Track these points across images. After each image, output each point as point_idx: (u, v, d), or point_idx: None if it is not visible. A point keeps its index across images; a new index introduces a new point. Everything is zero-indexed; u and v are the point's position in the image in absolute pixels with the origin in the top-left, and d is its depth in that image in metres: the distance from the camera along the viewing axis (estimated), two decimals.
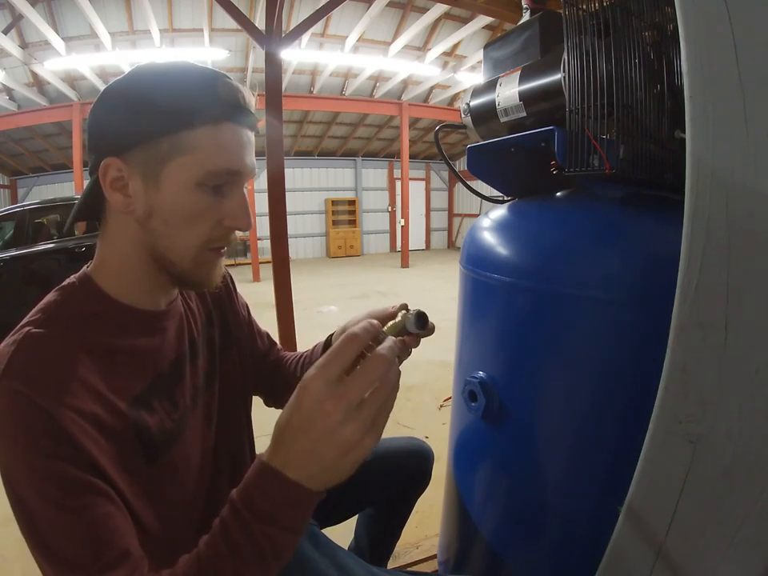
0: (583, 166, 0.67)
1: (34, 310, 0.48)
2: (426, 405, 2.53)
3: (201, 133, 0.47)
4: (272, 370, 0.78)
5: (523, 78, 0.81)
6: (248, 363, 0.71)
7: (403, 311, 0.52)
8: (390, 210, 11.68)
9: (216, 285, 0.55)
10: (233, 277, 0.74)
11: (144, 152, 0.47)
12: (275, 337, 0.84)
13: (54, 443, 0.41)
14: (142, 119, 0.47)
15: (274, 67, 2.04)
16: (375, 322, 0.40)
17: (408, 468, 0.90)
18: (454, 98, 8.84)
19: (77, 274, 0.53)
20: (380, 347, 0.38)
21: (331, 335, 0.70)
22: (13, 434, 0.41)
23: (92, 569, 0.39)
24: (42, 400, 0.41)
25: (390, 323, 0.50)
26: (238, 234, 0.55)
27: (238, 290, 0.75)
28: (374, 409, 0.37)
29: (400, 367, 0.40)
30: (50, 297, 0.50)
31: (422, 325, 0.51)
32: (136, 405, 0.49)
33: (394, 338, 0.42)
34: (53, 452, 0.40)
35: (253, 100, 0.52)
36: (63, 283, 0.52)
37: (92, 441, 0.43)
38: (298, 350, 0.80)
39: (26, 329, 0.45)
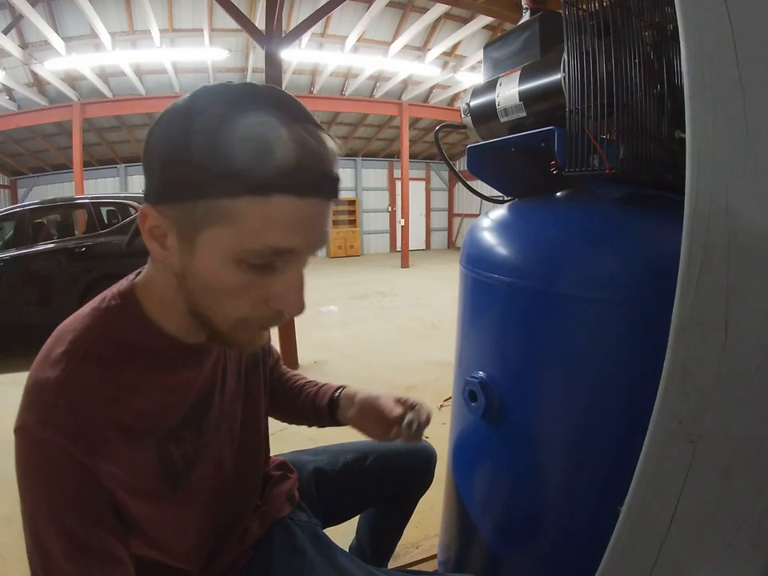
0: (583, 166, 0.67)
1: (73, 335, 0.45)
2: None
3: (243, 203, 0.38)
4: (274, 382, 0.79)
5: (523, 78, 0.81)
6: (267, 380, 0.71)
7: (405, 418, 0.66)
8: (389, 209, 11.68)
9: (255, 350, 0.52)
10: None
11: (179, 210, 0.41)
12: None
13: (87, 502, 0.42)
14: (175, 174, 0.40)
15: (274, 67, 2.04)
16: None
17: (411, 468, 0.90)
18: (454, 97, 8.84)
19: (121, 288, 0.49)
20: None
21: (339, 392, 0.76)
22: (47, 486, 0.41)
23: None
24: (82, 455, 0.41)
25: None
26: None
27: None
28: None
29: None
30: (91, 319, 0.46)
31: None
32: (166, 439, 0.49)
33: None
34: (83, 512, 0.42)
35: (336, 159, 0.42)
36: (106, 297, 0.49)
37: (125, 489, 0.44)
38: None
39: (69, 364, 0.43)
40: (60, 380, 0.42)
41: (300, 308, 0.45)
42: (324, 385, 0.79)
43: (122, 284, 0.50)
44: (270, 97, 0.40)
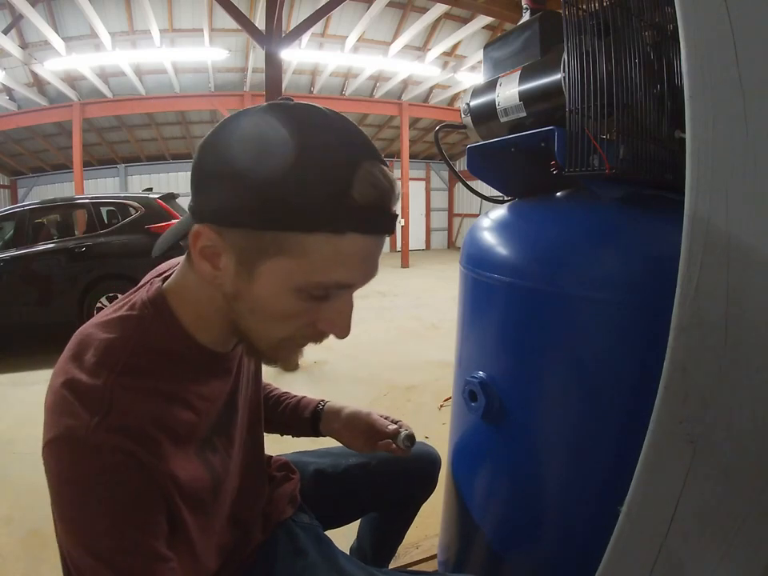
0: (583, 166, 0.67)
1: (107, 343, 0.43)
2: (426, 405, 2.53)
3: (314, 240, 0.38)
4: None
5: (523, 78, 0.81)
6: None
7: (401, 432, 0.73)
8: None
9: (293, 367, 0.52)
10: None
11: (243, 236, 0.39)
12: None
13: (149, 510, 0.40)
14: (243, 201, 0.38)
15: (273, 67, 2.04)
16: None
17: (414, 472, 0.89)
18: (454, 97, 8.84)
19: (150, 295, 0.47)
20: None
21: (322, 405, 0.79)
22: (104, 494, 0.38)
23: None
24: (146, 457, 0.39)
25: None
26: None
27: None
28: None
29: None
30: (124, 327, 0.45)
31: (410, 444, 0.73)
32: (203, 447, 0.49)
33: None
34: (145, 521, 0.40)
35: (398, 195, 0.42)
36: (135, 304, 0.47)
37: (182, 497, 0.44)
38: None
39: (111, 374, 0.41)
40: (107, 387, 0.40)
41: (347, 332, 0.45)
42: (303, 398, 0.83)
43: (150, 290, 0.48)
44: (343, 128, 0.41)
